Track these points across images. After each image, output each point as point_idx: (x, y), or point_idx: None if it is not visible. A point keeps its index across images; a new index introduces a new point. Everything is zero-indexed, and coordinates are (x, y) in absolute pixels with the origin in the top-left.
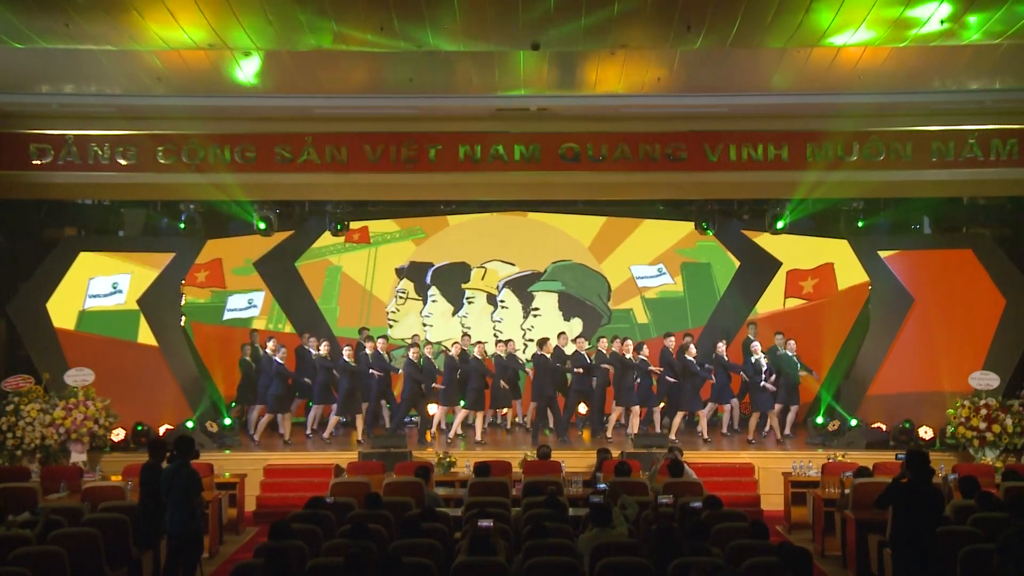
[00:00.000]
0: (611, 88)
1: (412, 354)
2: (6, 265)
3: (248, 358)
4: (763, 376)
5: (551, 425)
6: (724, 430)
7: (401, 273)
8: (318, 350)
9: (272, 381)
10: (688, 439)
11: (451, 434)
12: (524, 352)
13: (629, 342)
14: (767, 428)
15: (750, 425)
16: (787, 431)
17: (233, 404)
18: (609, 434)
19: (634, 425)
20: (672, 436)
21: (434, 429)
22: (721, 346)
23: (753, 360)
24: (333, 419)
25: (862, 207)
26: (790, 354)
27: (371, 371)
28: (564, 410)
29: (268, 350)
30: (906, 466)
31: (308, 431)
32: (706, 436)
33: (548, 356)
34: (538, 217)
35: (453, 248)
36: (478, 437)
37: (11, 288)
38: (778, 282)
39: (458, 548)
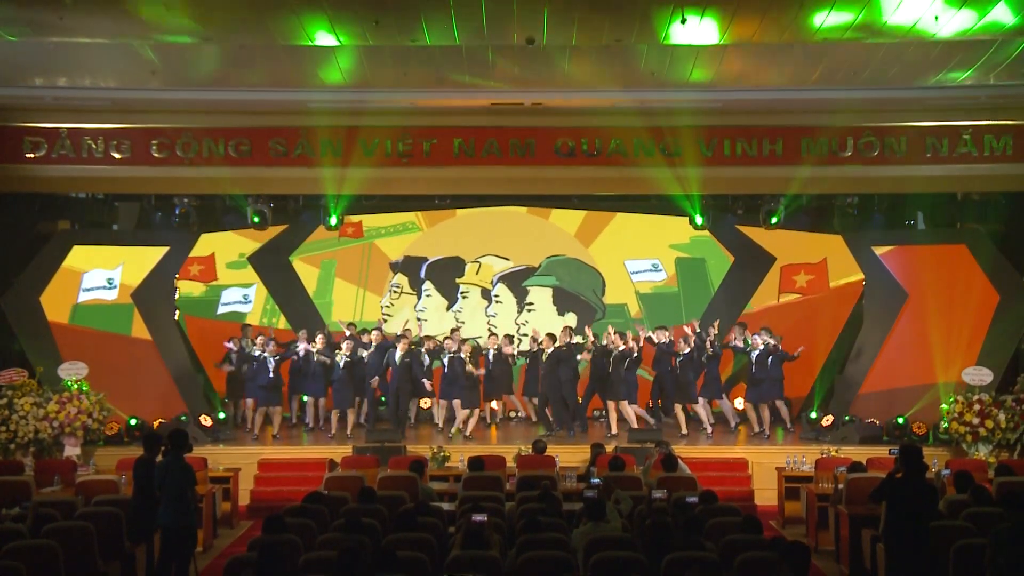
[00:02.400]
0: (606, 83)
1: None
2: None
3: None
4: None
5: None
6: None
7: (395, 267)
8: (313, 343)
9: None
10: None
11: (453, 430)
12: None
13: (616, 335)
14: (760, 424)
15: (750, 419)
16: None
17: (226, 399)
18: (615, 430)
19: (630, 419)
20: (684, 430)
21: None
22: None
23: (755, 354)
24: (334, 414)
25: (856, 202)
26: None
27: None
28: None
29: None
30: (900, 461)
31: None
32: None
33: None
34: (532, 212)
35: (447, 242)
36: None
37: (4, 281)
38: (772, 277)
39: (452, 542)
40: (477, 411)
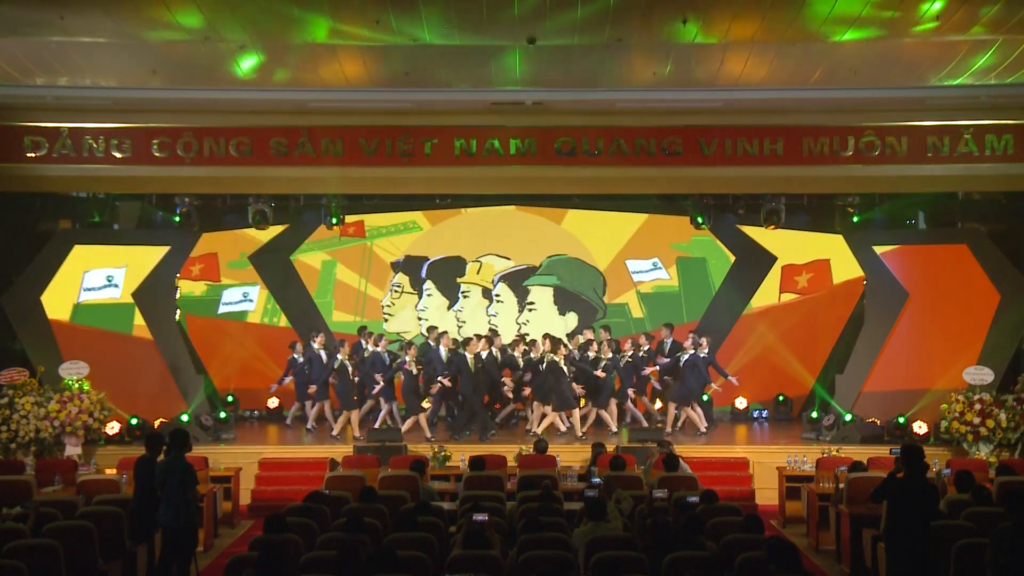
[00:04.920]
0: (606, 82)
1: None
2: (0, 258)
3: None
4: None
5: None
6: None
7: (396, 267)
8: (376, 346)
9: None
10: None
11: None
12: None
13: (546, 340)
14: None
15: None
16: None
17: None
18: (538, 429)
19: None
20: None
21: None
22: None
23: (686, 357)
24: (344, 415)
25: (857, 202)
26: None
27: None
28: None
29: (369, 346)
30: (901, 461)
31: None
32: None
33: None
34: (533, 211)
35: (448, 242)
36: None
37: (5, 281)
38: (773, 277)
39: (453, 542)
40: (578, 411)
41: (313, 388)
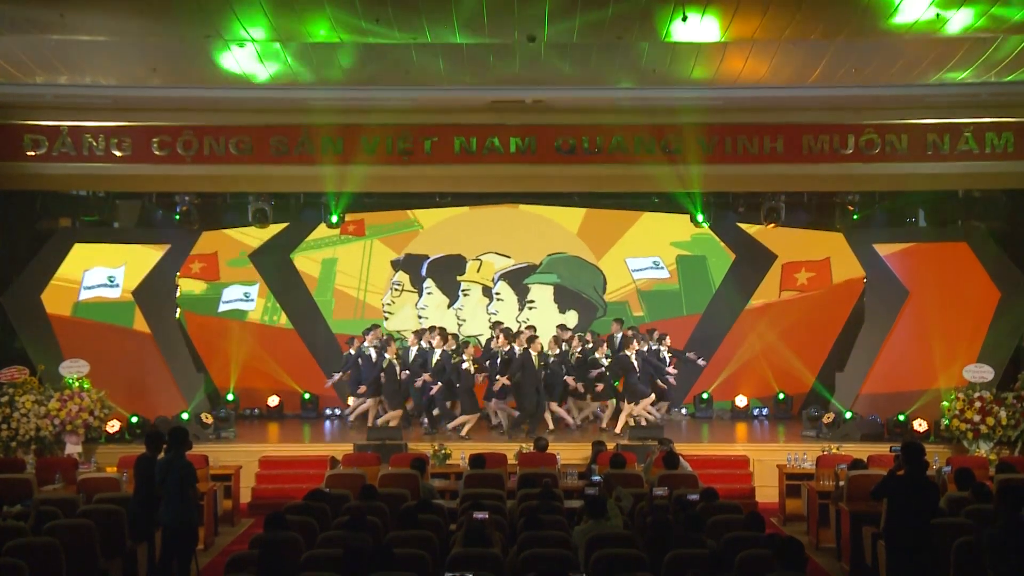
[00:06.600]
0: (607, 80)
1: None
2: (0, 256)
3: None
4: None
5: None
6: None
7: (396, 265)
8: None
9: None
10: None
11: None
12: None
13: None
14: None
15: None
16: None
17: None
18: (617, 428)
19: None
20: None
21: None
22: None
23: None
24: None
25: (857, 200)
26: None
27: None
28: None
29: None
30: (901, 458)
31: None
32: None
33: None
34: (534, 209)
35: (449, 240)
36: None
37: (5, 279)
38: (773, 274)
39: (453, 540)
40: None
41: (363, 388)
